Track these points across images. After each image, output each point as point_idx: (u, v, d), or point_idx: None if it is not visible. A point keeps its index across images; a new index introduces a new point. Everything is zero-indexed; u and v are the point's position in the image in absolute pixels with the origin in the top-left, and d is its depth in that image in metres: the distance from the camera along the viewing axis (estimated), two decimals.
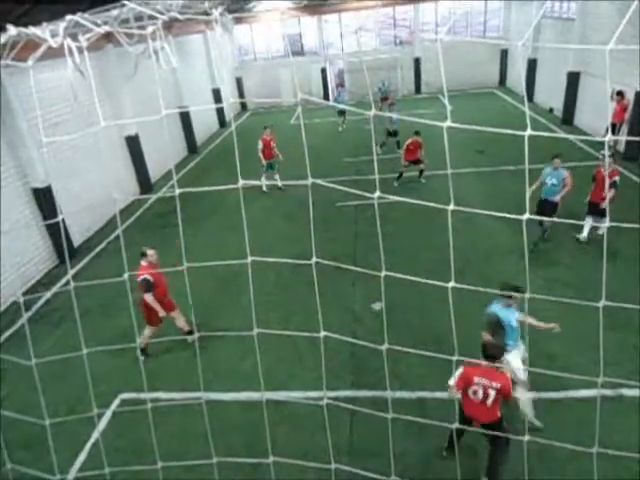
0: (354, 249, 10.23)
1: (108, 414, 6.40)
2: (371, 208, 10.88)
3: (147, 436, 5.91)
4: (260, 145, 13.57)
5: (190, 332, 7.50)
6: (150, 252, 7.14)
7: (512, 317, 5.53)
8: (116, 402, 6.58)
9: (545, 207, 9.15)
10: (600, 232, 9.34)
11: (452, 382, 4.70)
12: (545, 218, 8.35)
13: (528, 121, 2.03)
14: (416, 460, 5.36)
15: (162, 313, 7.09)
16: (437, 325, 7.36)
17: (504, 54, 25.60)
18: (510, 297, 5.40)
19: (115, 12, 2.95)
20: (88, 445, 5.95)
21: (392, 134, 15.82)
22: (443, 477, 5.12)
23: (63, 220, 11.42)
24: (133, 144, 14.90)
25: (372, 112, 1.98)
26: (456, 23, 26.38)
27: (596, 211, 9.05)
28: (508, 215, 2.10)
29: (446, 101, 2.47)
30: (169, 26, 16.22)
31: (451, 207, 2.10)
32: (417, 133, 13.07)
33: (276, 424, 5.93)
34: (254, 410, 6.07)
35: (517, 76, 23.98)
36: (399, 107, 19.12)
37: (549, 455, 5.12)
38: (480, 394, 4.58)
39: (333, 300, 8.42)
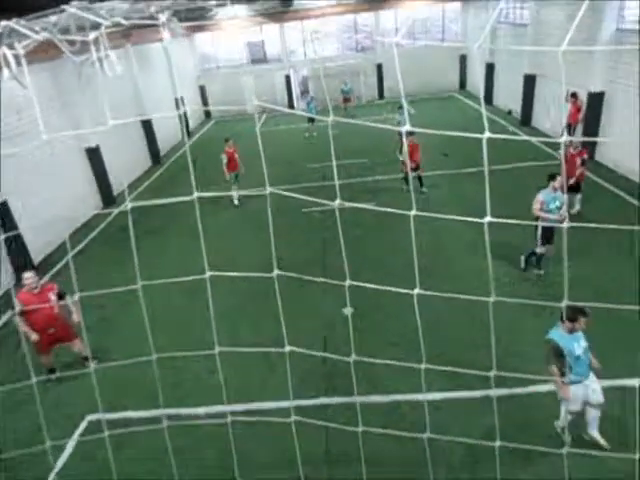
0: (323, 254, 10.22)
1: (75, 437, 6.15)
2: (339, 213, 10.85)
3: (117, 456, 5.71)
4: (224, 159, 13.20)
5: (86, 358, 7.09)
6: (27, 275, 6.60)
7: (575, 345, 4.87)
8: (83, 424, 6.33)
9: (552, 231, 8.20)
10: (577, 208, 10.42)
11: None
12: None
13: (486, 124, 2.06)
14: (393, 465, 5.36)
15: (34, 336, 6.57)
16: (408, 326, 7.41)
17: (463, 59, 26.28)
18: (574, 321, 4.81)
19: (54, 18, 2.82)
20: (53, 473, 5.70)
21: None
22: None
23: (21, 236, 10.97)
24: (94, 156, 14.51)
25: (330, 118, 1.96)
26: (416, 29, 26.92)
27: (570, 189, 10.14)
28: (470, 219, 2.12)
29: (404, 103, 2.50)
30: (127, 34, 15.93)
31: (413, 212, 2.10)
32: (412, 133, 12.04)
33: (249, 436, 5.82)
34: (227, 423, 5.94)
35: (476, 80, 24.65)
36: (356, 112, 19.61)
37: None
38: None
39: (304, 306, 8.38)
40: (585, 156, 10.12)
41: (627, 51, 12.22)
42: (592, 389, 4.98)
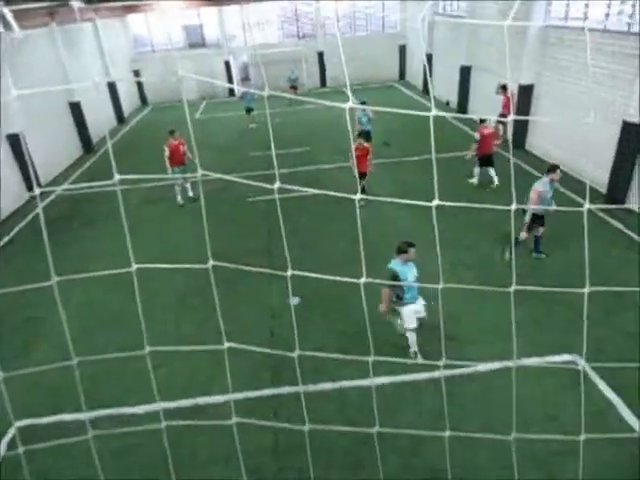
0: (268, 244, 10.11)
1: (2, 447, 5.73)
2: (284, 202, 10.77)
3: (53, 463, 5.40)
4: (166, 152, 11.98)
5: None
6: None
7: (409, 273, 6.16)
8: (11, 431, 5.91)
9: (539, 220, 8.57)
10: (496, 183, 11.91)
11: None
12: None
13: (432, 103, 2.06)
14: (342, 452, 5.41)
15: None
16: (354, 313, 7.50)
17: (402, 49, 26.73)
18: (406, 252, 6.12)
19: None
20: None
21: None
22: (374, 465, 5.23)
23: None
24: (16, 143, 13.46)
25: (266, 92, 1.87)
26: (356, 19, 27.03)
27: (486, 162, 11.90)
28: (418, 202, 2.13)
29: (347, 81, 2.46)
30: (52, 12, 14.87)
31: (358, 196, 2.08)
32: (361, 135, 11.12)
33: (197, 432, 5.69)
34: (173, 421, 5.75)
35: (415, 70, 25.17)
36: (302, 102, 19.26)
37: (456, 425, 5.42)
38: None
39: (249, 297, 8.26)
40: (489, 132, 11.85)
41: (553, 46, 12.90)
42: (421, 305, 6.39)
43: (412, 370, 6.34)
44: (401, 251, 6.16)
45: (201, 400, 6.28)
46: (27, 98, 13.88)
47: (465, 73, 18.58)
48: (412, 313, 6.31)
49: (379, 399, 5.89)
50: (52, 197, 13.81)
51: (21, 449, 2.12)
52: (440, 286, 2.15)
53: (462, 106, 19.04)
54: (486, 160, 11.85)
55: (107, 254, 10.18)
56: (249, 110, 19.47)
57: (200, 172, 1.83)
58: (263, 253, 9.66)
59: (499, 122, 13.79)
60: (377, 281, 2.10)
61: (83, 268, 8.76)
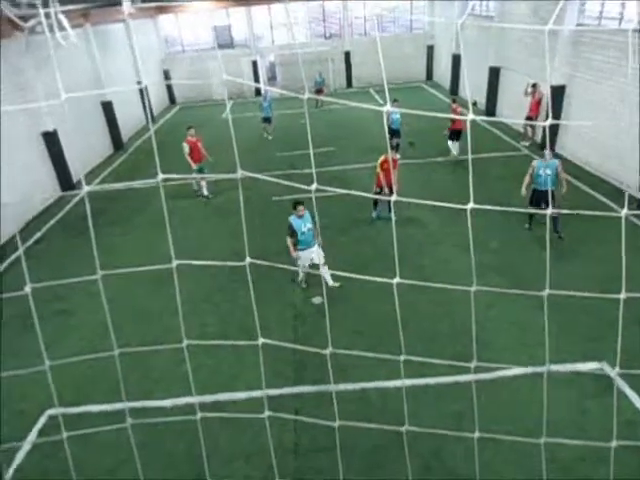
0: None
1: (33, 434, 5.93)
2: (308, 202, 10.84)
3: (79, 453, 5.55)
4: (186, 148, 12.26)
5: None
6: None
7: (302, 225, 7.82)
8: (42, 420, 6.11)
9: (544, 197, 9.08)
10: (454, 154, 13.97)
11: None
12: (535, 211, 8.88)
13: (470, 105, 2.04)
14: (363, 453, 5.41)
15: None
16: (376, 315, 7.49)
17: (430, 50, 26.47)
18: (295, 209, 7.79)
19: None
20: (10, 470, 5.48)
21: (393, 134, 14.11)
22: (392, 468, 5.21)
23: None
24: (51, 140, 13.88)
25: (306, 95, 1.89)
26: (383, 19, 26.92)
27: (457, 137, 13.72)
28: (452, 205, 2.10)
29: (385, 86, 2.45)
30: (86, 13, 15.26)
31: (394, 198, 2.07)
32: (396, 148, 10.87)
33: (219, 427, 5.77)
34: (195, 415, 5.85)
35: (443, 71, 24.90)
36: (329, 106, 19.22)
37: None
38: None
39: (273, 296, 8.32)
40: (461, 110, 14.13)
41: (586, 45, 12.58)
42: (316, 253, 7.93)
43: (437, 373, 6.28)
44: (293, 209, 7.86)
45: (226, 396, 6.35)
46: (60, 95, 14.28)
47: (494, 74, 18.29)
48: (306, 257, 7.99)
49: (400, 401, 5.87)
50: (82, 194, 14.19)
51: (64, 434, 2.19)
52: (473, 288, 2.13)
53: (490, 107, 18.74)
54: (456, 134, 13.72)
55: (135, 250, 10.43)
56: (266, 119, 17.97)
57: (240, 173, 1.86)
58: (286, 252, 9.72)
59: (528, 125, 13.59)
60: (410, 282, 2.07)
61: (111, 263, 8.97)
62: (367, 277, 2.16)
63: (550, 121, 1.76)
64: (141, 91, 22.13)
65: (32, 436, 5.88)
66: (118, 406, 6.03)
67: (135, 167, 16.70)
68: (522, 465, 4.87)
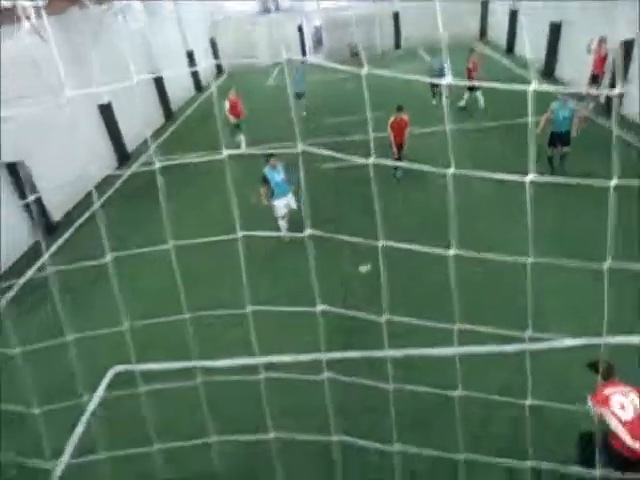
0: (338, 212, 10.17)
1: (101, 388, 6.42)
2: (353, 170, 10.75)
3: (145, 407, 5.98)
4: (227, 105, 13.63)
5: None
6: None
7: (276, 175, 8.71)
8: (109, 376, 6.60)
9: (560, 139, 9.94)
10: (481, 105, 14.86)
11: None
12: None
13: (532, 75, 1.94)
14: (412, 417, 5.50)
15: None
16: (423, 284, 7.46)
17: (484, 5, 25.00)
18: (268, 162, 8.70)
19: None
20: (83, 420, 6.00)
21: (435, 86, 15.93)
22: (439, 432, 5.29)
23: (40, 197, 11.08)
24: (106, 112, 14.38)
25: (364, 70, 1.87)
26: None
27: (474, 87, 14.03)
28: (511, 177, 2.04)
29: (446, 59, 2.38)
30: None
31: (451, 170, 2.04)
32: (400, 109, 11.15)
33: (270, 388, 6.01)
34: (247, 376, 6.12)
35: (498, 28, 23.50)
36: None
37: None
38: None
39: (319, 264, 8.42)
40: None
41: None
42: (290, 200, 9.01)
43: (487, 342, 6.22)
44: (266, 161, 8.79)
45: (287, 358, 6.51)
46: (113, 70, 14.69)
47: (555, 30, 17.08)
48: (281, 205, 8.91)
49: (445, 368, 5.90)
50: (136, 165, 14.70)
51: (143, 388, 2.38)
52: (530, 260, 2.09)
53: (549, 66, 17.61)
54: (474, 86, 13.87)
55: (190, 218, 10.77)
56: (299, 95, 16.90)
57: (300, 147, 1.90)
58: (333, 221, 9.75)
59: (592, 85, 12.73)
60: (466, 253, 2.05)
61: (171, 232, 9.34)
62: (424, 248, 2.16)
63: (619, 89, 1.66)
64: (190, 60, 22.36)
65: (100, 390, 6.38)
66: (179, 365, 6.41)
67: (185, 135, 17.06)
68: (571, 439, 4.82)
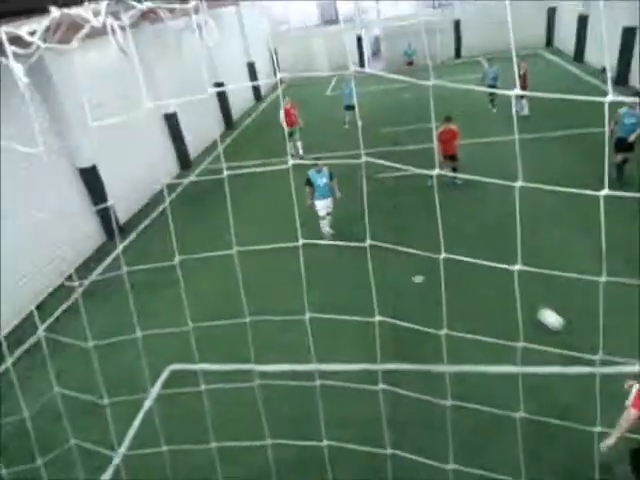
0: (396, 221, 10.09)
1: (159, 384, 6.68)
2: (411, 179, 10.63)
3: (197, 405, 6.16)
4: (282, 115, 13.90)
5: None
6: None
7: (318, 179, 9.36)
8: (166, 373, 6.86)
9: (624, 145, 9.84)
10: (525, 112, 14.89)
11: (629, 401, 4.23)
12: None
13: (610, 86, 1.83)
14: (461, 435, 5.33)
15: None
16: (475, 298, 7.23)
17: (552, 12, 24.10)
18: (317, 165, 9.27)
19: None
20: (141, 414, 6.26)
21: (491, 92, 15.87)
22: (493, 452, 5.09)
23: (108, 198, 11.77)
24: (172, 121, 15.09)
25: (431, 82, 1.86)
26: None
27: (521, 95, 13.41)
28: (586, 192, 1.92)
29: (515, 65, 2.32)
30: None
31: (519, 183, 1.95)
32: (449, 119, 10.90)
33: (320, 396, 6.02)
34: (302, 382, 6.17)
35: (566, 35, 22.57)
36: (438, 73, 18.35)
37: None
38: None
39: (374, 273, 8.37)
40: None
41: None
42: (329, 203, 9.66)
43: (554, 362, 5.90)
44: (313, 165, 9.33)
45: (344, 367, 6.55)
46: (179, 81, 15.41)
47: (629, 35, 16.16)
48: (321, 207, 9.58)
49: (503, 387, 5.67)
50: (198, 171, 15.30)
51: (202, 386, 2.47)
52: (603, 279, 1.96)
53: (622, 74, 16.67)
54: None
55: (248, 223, 11.02)
56: (349, 107, 16.76)
57: (364, 158, 1.92)
58: (391, 230, 9.69)
59: None
60: (531, 269, 1.95)
61: (227, 236, 9.65)
62: (488, 263, 2.10)
63: None
64: (250, 71, 23.05)
65: (157, 387, 6.64)
66: (231, 367, 6.57)
67: (244, 144, 17.56)
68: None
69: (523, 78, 14.17)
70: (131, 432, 6.08)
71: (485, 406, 5.41)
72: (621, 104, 9.54)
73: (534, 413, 5.47)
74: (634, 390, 4.07)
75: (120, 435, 5.97)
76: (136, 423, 6.18)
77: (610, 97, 1.56)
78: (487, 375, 5.99)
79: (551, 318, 6.71)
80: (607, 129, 2.21)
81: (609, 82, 1.84)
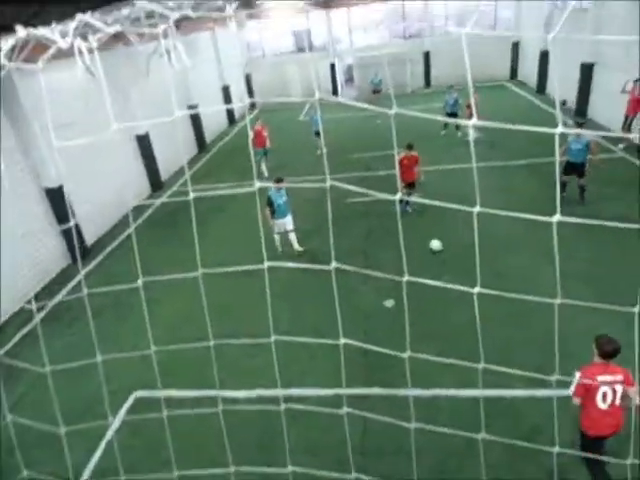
0: (365, 245, 10.19)
1: (123, 412, 6.45)
2: (379, 204, 10.78)
3: (161, 434, 5.96)
4: (251, 135, 14.65)
5: None
6: None
7: (279, 198, 9.71)
8: (130, 400, 6.63)
9: (575, 169, 10.69)
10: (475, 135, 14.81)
11: (572, 389, 4.35)
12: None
13: (559, 119, 1.95)
14: (431, 459, 5.32)
15: None
16: (446, 320, 7.32)
17: (515, 47, 25.28)
18: (277, 183, 9.39)
19: (126, 11, 2.91)
20: (102, 444, 6.01)
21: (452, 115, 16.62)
22: (459, 477, 5.09)
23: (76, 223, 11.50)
24: (144, 143, 14.98)
25: (393, 110, 1.92)
26: (466, 16, 26.07)
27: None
28: (539, 217, 2.02)
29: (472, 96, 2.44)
30: (177, 25, 16.24)
31: (477, 209, 2.03)
32: (410, 147, 11.02)
33: (287, 422, 5.92)
34: (266, 406, 6.06)
35: (528, 69, 23.67)
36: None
37: None
38: (609, 395, 4.23)
39: (343, 297, 8.37)
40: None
41: None
42: (287, 222, 10.05)
43: (511, 385, 6.02)
44: (275, 183, 9.41)
45: (310, 391, 6.46)
46: (152, 103, 15.38)
47: (586, 70, 17.09)
48: (279, 225, 9.96)
49: (469, 409, 5.71)
50: (169, 193, 15.16)
51: (164, 412, 2.40)
52: (558, 301, 2.04)
53: (581, 107, 17.55)
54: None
55: (214, 246, 10.96)
56: (318, 134, 16.88)
57: (329, 183, 1.95)
58: (360, 253, 9.77)
59: (627, 127, 12.70)
60: (492, 291, 2.00)
61: (193, 257, 9.54)
62: (448, 285, 2.15)
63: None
64: (225, 95, 23.21)
65: (121, 415, 6.40)
66: (198, 393, 6.40)
67: (216, 166, 17.55)
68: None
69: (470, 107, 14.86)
70: (92, 463, 5.82)
71: (456, 428, 5.44)
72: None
73: (504, 432, 5.53)
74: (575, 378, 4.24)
75: (81, 466, 5.71)
76: (97, 454, 5.93)
77: (560, 129, 1.67)
78: (456, 397, 6.02)
79: (435, 244, 9.44)
80: (557, 157, 2.35)
81: (559, 116, 1.95)
